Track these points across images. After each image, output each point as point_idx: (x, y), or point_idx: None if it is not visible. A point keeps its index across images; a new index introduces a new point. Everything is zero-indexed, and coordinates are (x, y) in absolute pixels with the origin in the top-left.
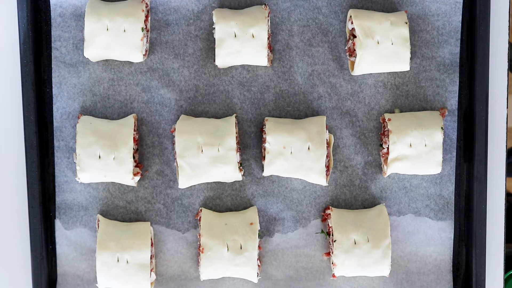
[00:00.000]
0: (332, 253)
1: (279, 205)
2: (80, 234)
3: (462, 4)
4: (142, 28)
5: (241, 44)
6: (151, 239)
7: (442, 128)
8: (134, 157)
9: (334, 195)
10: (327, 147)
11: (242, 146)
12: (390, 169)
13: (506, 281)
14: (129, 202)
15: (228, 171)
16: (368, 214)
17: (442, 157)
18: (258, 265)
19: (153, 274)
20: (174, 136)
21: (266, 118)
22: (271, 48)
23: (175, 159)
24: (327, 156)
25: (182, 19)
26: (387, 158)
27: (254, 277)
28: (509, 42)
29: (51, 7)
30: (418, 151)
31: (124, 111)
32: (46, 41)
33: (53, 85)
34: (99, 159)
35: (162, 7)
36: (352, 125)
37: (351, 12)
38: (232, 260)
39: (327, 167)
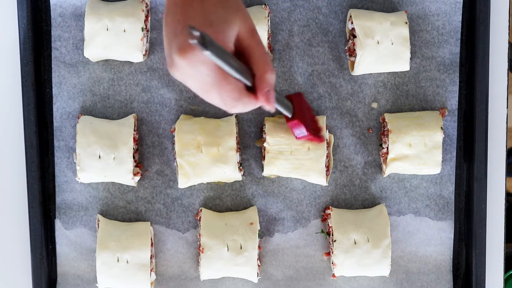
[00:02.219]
0: (332, 253)
1: (279, 205)
2: (80, 234)
3: (462, 4)
4: (142, 28)
5: None
6: (151, 239)
7: (442, 128)
8: (134, 157)
9: (334, 195)
10: (327, 147)
11: (242, 146)
12: (390, 169)
13: (506, 281)
14: (129, 202)
15: (228, 171)
16: (368, 214)
17: (442, 157)
18: (258, 265)
19: (153, 274)
20: (174, 136)
21: (266, 118)
22: (271, 48)
23: (175, 159)
24: (327, 156)
25: None
26: (386, 158)
27: (254, 277)
28: (509, 42)
29: (51, 7)
30: (418, 151)
31: (124, 111)
32: (46, 41)
33: (53, 85)
34: (99, 159)
35: (162, 7)
36: (352, 125)
37: (351, 12)
38: (232, 260)
39: (327, 167)
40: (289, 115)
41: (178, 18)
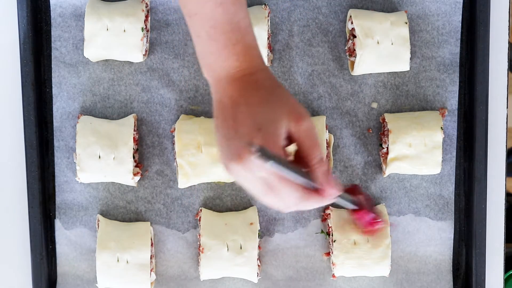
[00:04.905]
0: (332, 253)
1: None
2: (80, 234)
3: (462, 4)
4: (142, 28)
5: None
6: (151, 239)
7: (442, 128)
8: (134, 157)
9: None
10: (327, 147)
11: None
12: (390, 169)
13: (506, 281)
14: (129, 202)
15: None
16: None
17: (442, 157)
18: (258, 265)
19: (153, 274)
20: (174, 136)
21: None
22: (271, 48)
23: (175, 159)
24: (327, 156)
25: (182, 19)
26: (386, 158)
27: (254, 277)
28: (509, 42)
29: (51, 7)
30: (418, 151)
31: (124, 111)
32: (46, 41)
33: (53, 85)
34: (99, 159)
35: (162, 7)
36: (352, 125)
37: (351, 12)
38: (232, 260)
39: None
40: (354, 207)
41: (228, 124)
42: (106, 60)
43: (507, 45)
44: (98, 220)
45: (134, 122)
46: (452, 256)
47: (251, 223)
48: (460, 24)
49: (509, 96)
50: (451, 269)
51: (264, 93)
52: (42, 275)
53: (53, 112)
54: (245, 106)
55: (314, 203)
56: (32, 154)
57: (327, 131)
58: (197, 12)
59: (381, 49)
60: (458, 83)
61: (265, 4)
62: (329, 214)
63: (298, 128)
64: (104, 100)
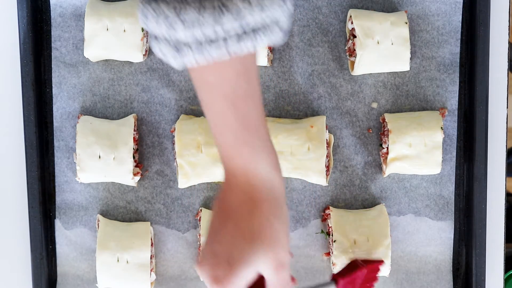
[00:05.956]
0: (332, 253)
1: None
2: (80, 234)
3: (462, 4)
4: (142, 28)
5: None
6: (151, 239)
7: (442, 128)
8: (134, 157)
9: (334, 195)
10: (327, 147)
11: None
12: (390, 169)
13: (506, 281)
14: (129, 202)
15: None
16: (368, 214)
17: (442, 157)
18: None
19: (153, 274)
20: (174, 136)
21: (265, 118)
22: (271, 48)
23: (175, 159)
24: (327, 156)
25: None
26: (386, 158)
27: None
28: (509, 42)
29: (51, 7)
30: (418, 151)
31: (124, 111)
32: (46, 41)
33: (53, 85)
34: (99, 159)
35: None
36: (352, 125)
37: (351, 12)
38: None
39: (327, 167)
40: None
41: (214, 230)
42: (106, 60)
43: (507, 45)
44: (98, 220)
45: (134, 122)
46: (452, 256)
47: None
48: (460, 24)
49: (509, 96)
50: (451, 269)
51: (255, 224)
52: (42, 275)
53: (53, 112)
54: (232, 226)
55: None
56: (32, 154)
57: (327, 131)
58: (210, 107)
59: (381, 49)
60: (458, 83)
61: None
62: (329, 214)
63: (273, 275)
64: (104, 100)
